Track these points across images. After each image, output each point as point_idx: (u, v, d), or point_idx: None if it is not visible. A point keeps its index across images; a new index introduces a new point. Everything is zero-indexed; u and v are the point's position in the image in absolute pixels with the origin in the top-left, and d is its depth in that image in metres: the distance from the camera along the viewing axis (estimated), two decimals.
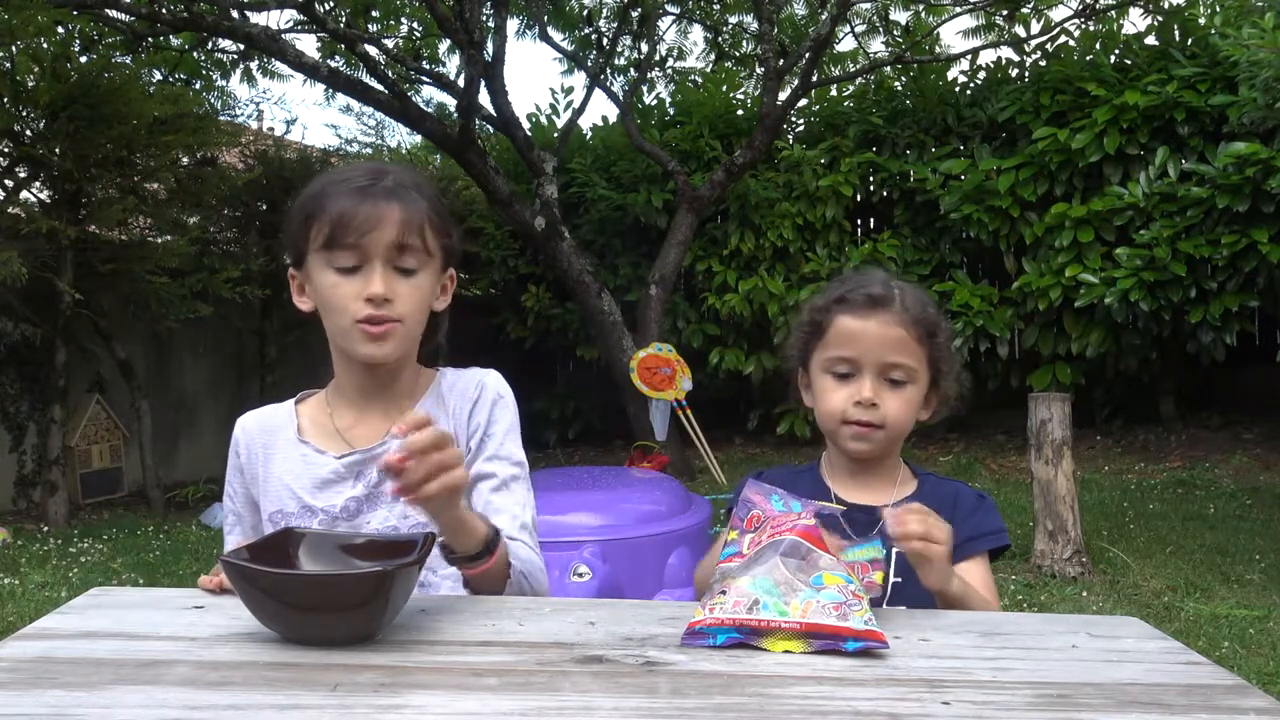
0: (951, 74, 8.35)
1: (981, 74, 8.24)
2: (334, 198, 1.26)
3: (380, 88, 7.30)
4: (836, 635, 0.97)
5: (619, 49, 9.48)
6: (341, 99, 11.62)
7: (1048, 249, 7.11)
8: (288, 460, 1.34)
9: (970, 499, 1.38)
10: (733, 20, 9.92)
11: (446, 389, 1.36)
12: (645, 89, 9.40)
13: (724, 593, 1.03)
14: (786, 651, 0.97)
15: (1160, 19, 7.71)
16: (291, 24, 7.99)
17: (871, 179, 8.12)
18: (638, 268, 8.18)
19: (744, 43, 10.00)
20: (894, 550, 1.19)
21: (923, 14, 9.06)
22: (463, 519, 1.15)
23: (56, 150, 5.83)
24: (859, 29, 9.46)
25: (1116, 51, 7.55)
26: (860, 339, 1.32)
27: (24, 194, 6.25)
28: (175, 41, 8.00)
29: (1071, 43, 8.00)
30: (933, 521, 1.15)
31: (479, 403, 1.34)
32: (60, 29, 6.23)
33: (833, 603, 0.99)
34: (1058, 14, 8.43)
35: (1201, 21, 7.32)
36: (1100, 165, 7.08)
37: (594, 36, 9.49)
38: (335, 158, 8.88)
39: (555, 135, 8.60)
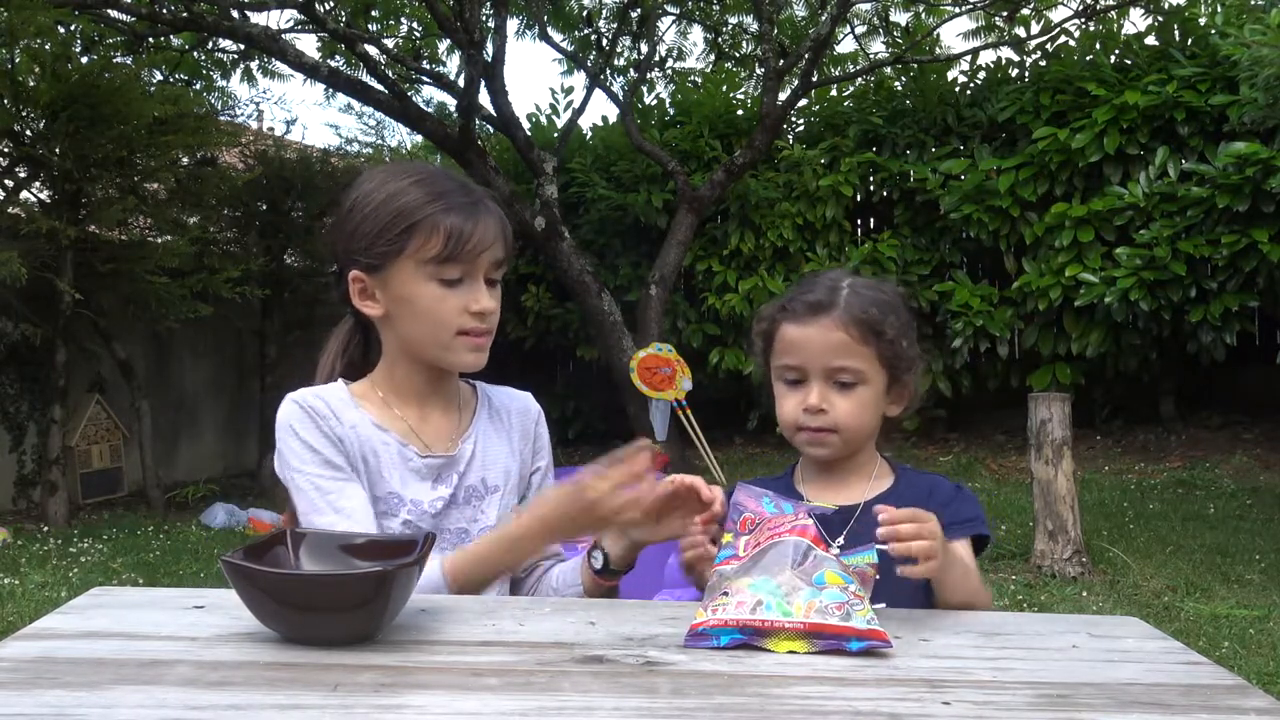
0: (951, 74, 8.35)
1: (981, 74, 8.23)
2: (443, 211, 1.28)
3: (380, 88, 7.30)
4: (840, 635, 0.97)
5: (619, 49, 9.47)
6: (341, 99, 11.62)
7: (1048, 249, 7.11)
8: (369, 443, 1.33)
9: (947, 489, 1.37)
10: (733, 20, 9.91)
11: (498, 405, 1.46)
12: (645, 89, 9.40)
13: (726, 594, 1.03)
14: (790, 652, 0.97)
15: (1160, 19, 7.71)
16: (291, 24, 8.00)
17: (871, 179, 8.11)
18: (638, 268, 8.17)
19: (744, 43, 9.99)
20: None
21: (923, 15, 9.06)
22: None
23: (56, 150, 5.82)
24: (859, 30, 9.46)
25: (1116, 52, 7.55)
26: (803, 347, 1.33)
27: (24, 194, 6.24)
28: (175, 41, 8.00)
29: (1071, 43, 8.00)
30: (923, 518, 1.13)
31: (539, 423, 1.49)
32: (61, 29, 6.23)
33: (835, 603, 0.99)
34: (1058, 14, 8.42)
35: (1202, 21, 7.32)
36: (1100, 165, 7.07)
37: (594, 37, 9.49)
38: (335, 158, 8.88)
39: (555, 135, 8.59)
